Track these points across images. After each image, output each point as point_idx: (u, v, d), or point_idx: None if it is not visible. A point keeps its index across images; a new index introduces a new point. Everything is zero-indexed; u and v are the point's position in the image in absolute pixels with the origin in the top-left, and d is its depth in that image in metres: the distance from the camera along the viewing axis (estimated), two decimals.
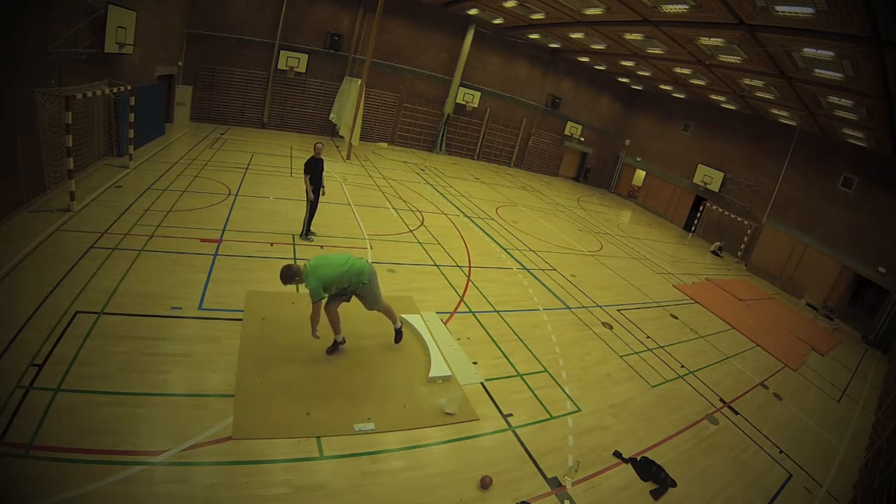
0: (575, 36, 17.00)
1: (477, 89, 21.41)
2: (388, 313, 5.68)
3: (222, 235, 7.89)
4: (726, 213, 19.35)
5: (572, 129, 24.41)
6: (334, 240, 8.83)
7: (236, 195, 9.93)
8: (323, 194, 8.62)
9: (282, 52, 16.82)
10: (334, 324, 5.39)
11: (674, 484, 4.95)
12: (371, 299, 5.41)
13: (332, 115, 18.19)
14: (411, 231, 10.48)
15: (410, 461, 4.31)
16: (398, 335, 5.89)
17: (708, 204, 20.35)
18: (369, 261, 8.11)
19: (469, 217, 12.92)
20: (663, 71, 17.39)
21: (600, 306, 9.32)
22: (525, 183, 21.01)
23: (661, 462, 5.21)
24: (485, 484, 4.18)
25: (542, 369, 6.43)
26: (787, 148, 17.78)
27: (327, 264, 4.99)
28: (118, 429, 3.80)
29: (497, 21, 18.82)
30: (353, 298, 5.45)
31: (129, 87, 9.98)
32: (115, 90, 9.74)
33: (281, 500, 3.58)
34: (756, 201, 18.73)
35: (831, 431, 7.44)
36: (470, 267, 9.34)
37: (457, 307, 7.54)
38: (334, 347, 5.48)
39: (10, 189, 6.92)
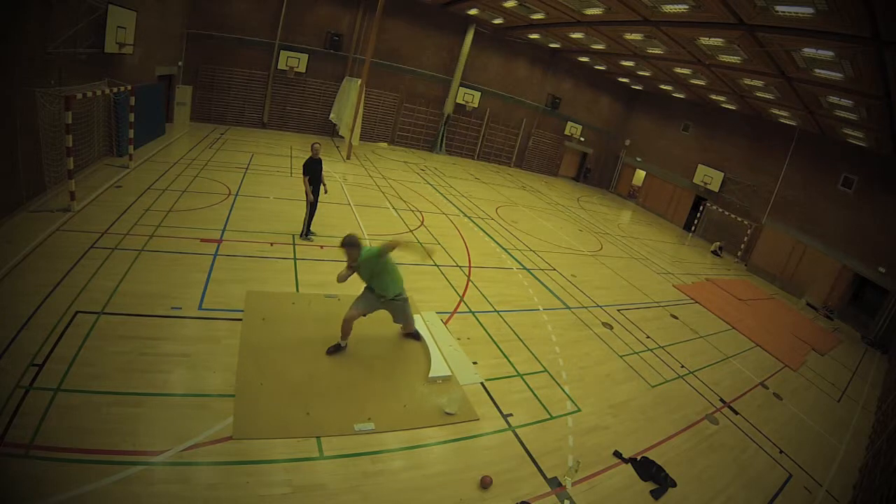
0: (575, 36, 17.00)
1: (477, 89, 21.41)
2: (412, 326, 6.09)
3: (222, 235, 7.89)
4: (726, 213, 19.35)
5: (572, 129, 24.41)
6: (334, 240, 8.80)
7: (236, 195, 9.92)
8: (325, 192, 8.63)
9: (282, 52, 16.82)
10: (346, 330, 5.44)
11: (674, 484, 4.95)
12: (407, 317, 5.74)
13: (332, 115, 18.19)
14: (411, 231, 10.48)
15: (410, 461, 4.31)
16: (417, 335, 6.19)
17: (708, 204, 20.35)
18: None
19: (469, 217, 12.92)
20: (663, 71, 17.38)
21: (600, 306, 9.32)
22: (525, 183, 21.01)
23: (661, 462, 5.21)
24: (485, 484, 4.18)
25: (542, 369, 6.43)
26: (787, 148, 17.78)
27: (387, 258, 5.23)
28: (118, 429, 3.80)
29: (497, 21, 18.82)
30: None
31: (129, 87, 9.98)
32: (115, 90, 9.73)
33: (281, 500, 3.58)
34: (756, 201, 18.73)
35: (831, 431, 7.43)
36: (470, 267, 9.34)
37: (457, 307, 7.54)
38: (336, 349, 5.49)
39: (10, 189, 6.92)
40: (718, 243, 18.89)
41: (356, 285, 7.29)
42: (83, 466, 3.42)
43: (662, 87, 21.05)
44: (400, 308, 5.61)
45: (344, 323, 5.38)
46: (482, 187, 17.45)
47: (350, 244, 5.14)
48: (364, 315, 5.53)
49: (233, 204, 9.38)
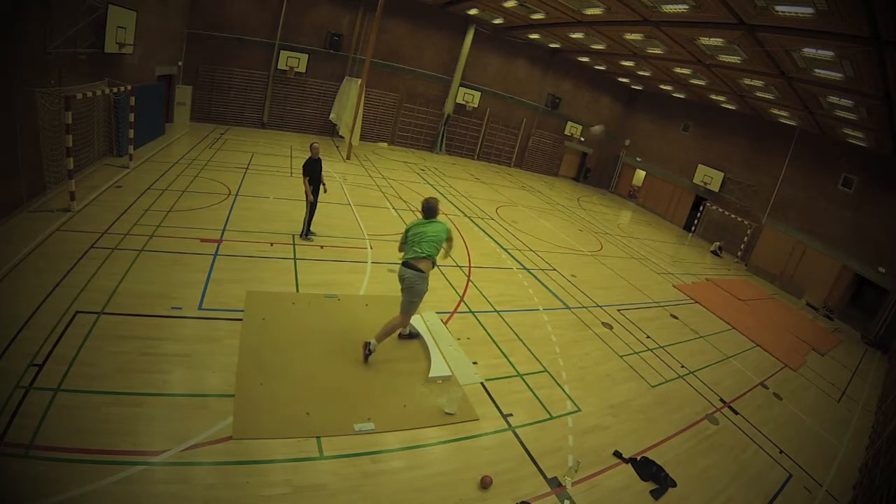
0: (575, 36, 17.00)
1: (477, 89, 21.41)
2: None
3: (222, 235, 7.89)
4: (726, 213, 19.35)
5: (572, 129, 24.42)
6: (334, 240, 8.83)
7: (236, 195, 9.92)
8: (325, 192, 8.63)
9: (282, 52, 16.82)
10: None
11: (674, 484, 4.95)
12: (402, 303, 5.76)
13: (332, 115, 18.20)
14: None
15: (410, 461, 4.31)
16: (417, 334, 6.26)
17: (708, 204, 20.35)
18: (369, 261, 8.14)
19: (469, 217, 12.92)
20: (663, 71, 17.38)
21: (600, 306, 9.31)
22: (525, 183, 21.01)
23: (661, 462, 5.21)
24: (485, 484, 4.18)
25: (542, 369, 6.43)
26: (787, 148, 17.78)
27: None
28: (118, 429, 3.79)
29: (497, 21, 18.82)
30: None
31: (129, 87, 9.97)
32: (115, 90, 9.73)
33: (281, 500, 3.58)
34: (756, 201, 18.73)
35: (831, 431, 7.43)
36: (470, 267, 9.34)
37: (457, 307, 7.54)
38: (366, 351, 5.44)
39: (10, 189, 6.92)
40: (718, 243, 18.88)
41: (354, 286, 7.32)
42: (83, 466, 3.42)
43: (662, 87, 21.05)
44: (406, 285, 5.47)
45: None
46: (482, 187, 17.45)
47: (432, 208, 5.50)
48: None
49: (233, 204, 9.38)
